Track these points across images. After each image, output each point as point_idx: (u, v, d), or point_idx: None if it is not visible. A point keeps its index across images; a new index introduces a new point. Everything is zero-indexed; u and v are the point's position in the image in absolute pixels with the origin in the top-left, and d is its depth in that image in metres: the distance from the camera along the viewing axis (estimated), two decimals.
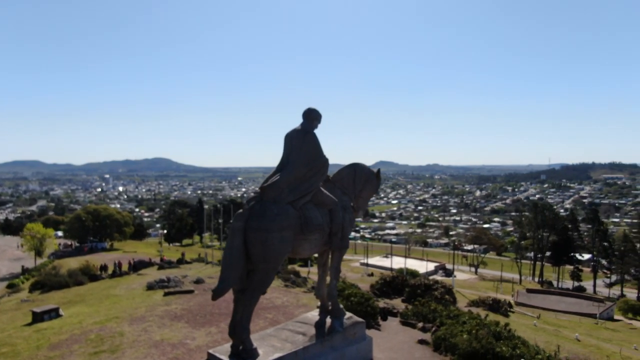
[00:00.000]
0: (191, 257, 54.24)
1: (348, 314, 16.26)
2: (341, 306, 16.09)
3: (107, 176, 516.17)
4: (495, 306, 33.05)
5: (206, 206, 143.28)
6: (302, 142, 14.22)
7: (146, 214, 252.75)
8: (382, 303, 25.97)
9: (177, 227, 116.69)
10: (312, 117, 14.69)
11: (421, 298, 25.56)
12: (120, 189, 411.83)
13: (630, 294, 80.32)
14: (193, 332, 19.03)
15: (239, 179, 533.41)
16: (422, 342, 18.05)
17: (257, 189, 13.93)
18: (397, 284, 35.29)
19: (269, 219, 12.94)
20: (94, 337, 18.72)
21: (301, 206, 13.79)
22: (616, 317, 55.54)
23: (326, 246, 15.18)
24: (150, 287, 27.75)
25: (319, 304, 23.97)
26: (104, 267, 42.70)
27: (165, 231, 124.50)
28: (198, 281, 28.68)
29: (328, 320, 15.50)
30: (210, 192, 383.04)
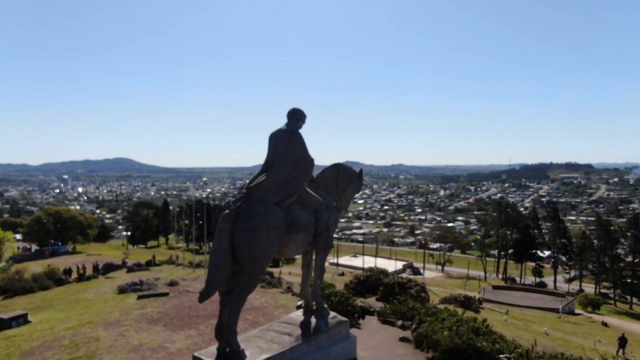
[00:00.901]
0: (159, 260, 53.08)
1: (332, 314, 16.32)
2: (325, 306, 16.15)
3: (66, 177, 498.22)
4: (467, 303, 33.86)
5: (171, 207, 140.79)
6: (288, 142, 14.19)
7: (108, 216, 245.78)
8: (358, 302, 26.15)
9: (142, 229, 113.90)
10: (297, 117, 14.69)
11: (399, 296, 25.87)
12: (80, 190, 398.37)
13: (588, 288, 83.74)
14: (172, 336, 18.68)
15: (204, 179, 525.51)
16: (403, 339, 18.31)
17: (243, 189, 13.83)
18: (370, 283, 35.66)
19: (256, 220, 12.84)
20: (67, 343, 18.11)
21: (287, 206, 13.77)
22: (577, 311, 57.81)
23: (311, 246, 15.20)
24: (122, 290, 27.05)
25: (298, 303, 24.08)
26: (68, 271, 41.25)
27: (129, 233, 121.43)
28: (172, 283, 28.14)
29: (313, 320, 15.52)
30: (175, 192, 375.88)
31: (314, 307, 15.81)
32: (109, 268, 40.68)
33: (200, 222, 63.04)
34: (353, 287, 34.71)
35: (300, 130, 15.04)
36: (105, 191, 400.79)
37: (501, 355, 14.57)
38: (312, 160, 14.57)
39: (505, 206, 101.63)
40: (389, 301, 28.27)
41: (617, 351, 26.92)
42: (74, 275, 39.58)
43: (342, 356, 15.77)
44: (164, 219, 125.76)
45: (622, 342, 28.57)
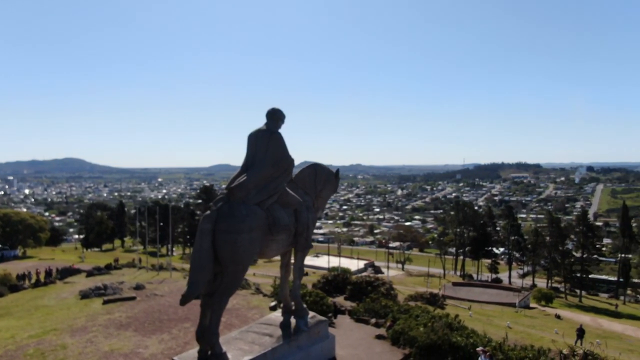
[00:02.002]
0: (114, 263, 51.31)
1: (311, 313, 16.37)
2: (304, 306, 16.16)
3: (11, 178, 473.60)
4: (432, 300, 34.62)
5: (126, 209, 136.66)
6: (268, 142, 14.13)
7: (57, 218, 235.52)
8: (329, 301, 26.26)
9: (97, 232, 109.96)
10: (276, 117, 14.66)
11: (372, 295, 26.12)
12: (27, 191, 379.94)
13: (541, 283, 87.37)
14: (144, 341, 18.18)
15: (159, 180, 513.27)
16: (379, 337, 18.55)
17: (223, 189, 13.67)
18: (338, 282, 35.83)
19: (238, 220, 12.71)
20: (32, 351, 17.29)
21: (268, 207, 13.71)
22: (532, 305, 60.26)
23: (291, 246, 15.19)
24: (85, 295, 26.07)
25: (271, 304, 24.02)
26: (23, 276, 39.38)
27: (82, 236, 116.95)
28: (138, 287, 27.35)
29: (292, 320, 15.51)
30: (129, 193, 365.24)
31: (293, 308, 15.81)
32: (67, 273, 39.03)
33: (162, 223, 61.38)
34: (321, 287, 34.76)
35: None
36: (54, 193, 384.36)
37: (477, 349, 15.02)
38: (292, 160, 14.57)
39: (462, 205, 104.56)
40: (358, 300, 28.60)
41: (576, 342, 28.28)
42: (33, 280, 37.89)
43: (321, 355, 15.84)
44: (119, 221, 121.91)
45: (580, 333, 30.05)
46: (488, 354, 14.42)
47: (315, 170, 16.76)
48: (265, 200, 13.67)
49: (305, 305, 16.26)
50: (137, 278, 33.54)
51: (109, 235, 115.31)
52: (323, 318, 16.62)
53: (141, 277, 33.97)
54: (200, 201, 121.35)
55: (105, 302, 24.04)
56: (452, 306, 39.39)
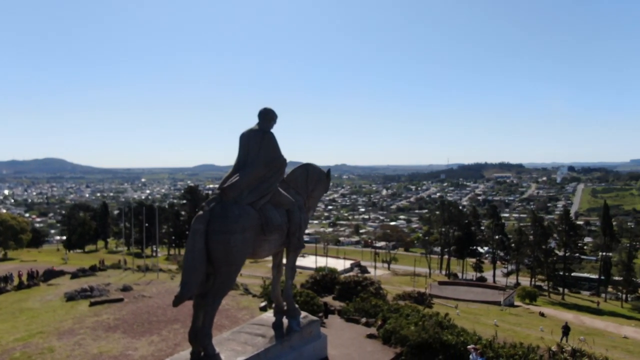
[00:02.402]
0: (99, 264, 50.68)
1: (303, 313, 16.35)
2: (296, 306, 16.14)
3: None
4: (420, 299, 34.82)
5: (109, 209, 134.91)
6: (261, 142, 14.08)
7: (38, 220, 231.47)
8: (319, 301, 26.25)
9: (79, 233, 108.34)
10: (269, 117, 14.61)
11: (362, 294, 26.16)
12: (6, 192, 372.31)
13: (524, 281, 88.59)
14: (133, 343, 17.99)
15: (143, 180, 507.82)
16: (370, 336, 18.61)
17: (216, 189, 13.58)
18: (326, 282, 35.81)
19: (231, 221, 12.65)
20: (19, 355, 16.99)
21: (261, 207, 13.67)
22: (516, 303, 61.09)
23: (283, 246, 15.17)
24: (71, 297, 25.68)
25: (261, 305, 23.94)
26: (4, 279, 38.60)
27: (64, 237, 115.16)
28: (125, 289, 27.03)
29: (285, 320, 15.48)
30: (112, 194, 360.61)
31: (285, 308, 15.79)
32: (50, 275, 38.41)
33: (147, 224, 60.75)
34: (309, 287, 34.70)
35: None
36: (34, 193, 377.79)
37: (468, 347, 15.17)
38: (285, 160, 14.54)
39: (448, 205, 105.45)
40: (347, 300, 28.67)
41: (561, 339, 28.73)
42: (15, 282, 37.21)
43: (314, 355, 15.84)
44: (102, 222, 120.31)
45: (566, 330, 30.55)
46: (479, 351, 14.57)
47: (307, 170, 16.77)
48: (257, 200, 13.62)
49: (297, 305, 16.27)
50: (123, 279, 33.17)
51: (92, 236, 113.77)
52: (315, 318, 16.62)
53: (127, 279, 33.60)
54: (184, 202, 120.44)
55: (92, 304, 23.72)
56: (439, 305, 39.70)
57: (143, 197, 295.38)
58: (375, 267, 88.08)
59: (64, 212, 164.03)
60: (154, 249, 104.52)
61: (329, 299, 30.29)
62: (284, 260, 16.15)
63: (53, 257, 73.92)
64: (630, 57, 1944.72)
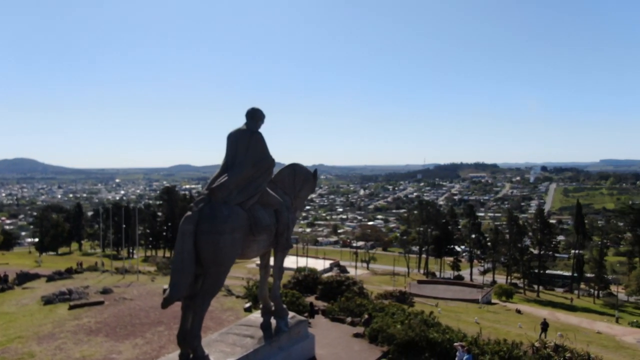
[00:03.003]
0: (77, 267, 49.56)
1: (291, 314, 16.35)
2: (284, 306, 16.12)
3: None
4: (402, 298, 35.15)
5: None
6: (249, 142, 14.01)
7: (8, 221, 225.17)
8: (305, 301, 26.25)
9: (52, 235, 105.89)
10: (256, 117, 14.54)
11: (347, 294, 26.27)
12: None
13: (500, 279, 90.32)
14: (117, 346, 17.67)
15: (117, 180, 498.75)
16: (357, 335, 18.73)
17: (205, 190, 13.46)
18: (308, 282, 35.84)
19: (220, 221, 12.57)
20: None
21: (249, 207, 13.61)
22: (493, 300, 62.16)
23: (271, 247, 15.14)
24: (49, 301, 25.01)
25: (246, 305, 23.81)
26: None
27: (37, 239, 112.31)
28: (105, 291, 26.51)
29: (273, 321, 15.46)
30: (85, 195, 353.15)
31: (273, 308, 15.76)
32: (25, 278, 37.28)
33: (124, 225, 59.77)
34: (291, 287, 34.63)
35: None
36: (3, 194, 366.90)
37: (455, 344, 15.40)
38: (273, 160, 14.50)
39: (426, 204, 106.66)
40: (330, 300, 28.77)
41: (540, 335, 29.42)
42: None
43: (302, 355, 15.86)
44: (76, 223, 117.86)
45: (544, 326, 31.27)
46: (466, 348, 14.80)
47: (294, 170, 16.77)
48: (246, 200, 13.57)
49: (284, 306, 16.25)
50: (102, 282, 32.52)
51: (65, 238, 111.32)
52: (303, 318, 16.65)
53: (106, 281, 32.95)
54: (160, 202, 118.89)
55: (71, 308, 23.18)
56: (420, 304, 40.12)
57: (117, 198, 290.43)
58: (356, 267, 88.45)
59: (35, 213, 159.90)
60: (130, 250, 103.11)
61: (311, 299, 30.35)
62: (272, 261, 16.17)
63: (25, 260, 71.97)
64: (599, 60, 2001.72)
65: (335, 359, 16.38)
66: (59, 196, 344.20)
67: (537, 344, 16.48)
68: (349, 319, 21.16)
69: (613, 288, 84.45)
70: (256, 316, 16.01)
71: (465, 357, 14.31)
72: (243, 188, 13.60)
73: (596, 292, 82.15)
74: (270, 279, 16.02)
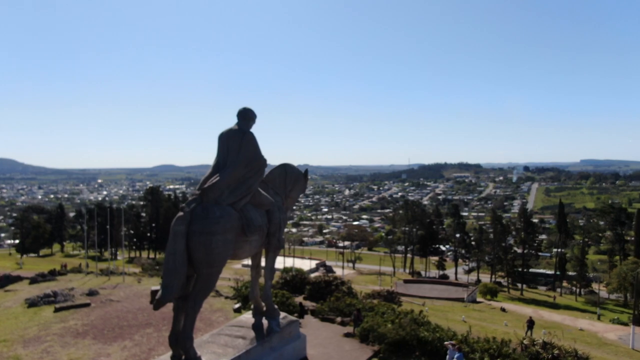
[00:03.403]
0: (61, 268, 48.78)
1: (282, 314, 16.31)
2: (275, 306, 16.08)
3: None
4: (390, 297, 35.26)
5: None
6: (241, 142, 13.93)
7: None
8: (295, 302, 26.20)
9: (33, 236, 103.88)
10: (248, 117, 14.48)
11: (337, 293, 26.28)
12: None
13: (485, 278, 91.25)
14: (105, 348, 17.45)
15: (99, 181, 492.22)
16: (348, 335, 18.75)
17: (196, 190, 13.36)
18: (296, 282, 35.82)
19: (212, 222, 12.50)
20: None
21: (241, 207, 13.56)
22: (478, 299, 62.75)
23: (262, 247, 15.09)
24: (33, 303, 24.58)
25: (235, 306, 23.68)
26: None
27: (17, 241, 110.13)
28: (91, 293, 26.15)
29: (264, 321, 15.41)
30: (66, 195, 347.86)
31: (264, 309, 15.71)
32: (7, 280, 36.55)
33: (108, 227, 58.73)
34: (280, 288, 34.60)
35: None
36: None
37: (446, 342, 15.52)
38: (265, 160, 14.45)
39: (411, 204, 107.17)
40: (318, 300, 28.77)
41: (526, 332, 29.75)
42: None
43: (294, 355, 15.84)
44: (58, 224, 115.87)
45: (530, 324, 31.62)
46: (456, 347, 14.92)
47: (285, 171, 16.76)
48: (238, 200, 13.51)
49: (276, 306, 16.21)
50: (87, 284, 32.06)
51: (47, 240, 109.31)
52: (294, 318, 16.61)
53: (91, 283, 32.49)
54: (142, 203, 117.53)
55: (57, 310, 22.81)
56: (407, 303, 40.39)
57: (100, 199, 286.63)
58: (343, 267, 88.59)
59: (15, 214, 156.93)
60: (113, 251, 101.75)
61: (299, 299, 30.33)
62: (263, 261, 16.11)
63: (6, 262, 70.62)
64: (579, 63, 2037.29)
65: (326, 359, 16.38)
66: (40, 197, 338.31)
67: (525, 342, 16.69)
68: (338, 319, 21.19)
69: (594, 286, 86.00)
70: (247, 317, 15.94)
71: (456, 356, 14.42)
72: (235, 188, 13.53)
73: (578, 290, 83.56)
74: (261, 280, 15.96)
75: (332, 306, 22.65)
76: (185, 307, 12.53)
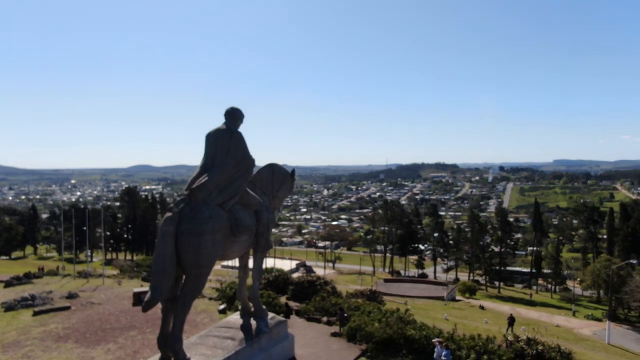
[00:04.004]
0: (39, 271, 47.67)
1: (270, 314, 16.26)
2: (264, 307, 16.02)
3: None
4: (372, 296, 35.35)
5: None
6: (229, 142, 13.85)
7: None
8: (281, 302, 26.12)
9: (5, 239, 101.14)
10: (236, 117, 14.41)
11: (322, 293, 26.30)
12: None
13: (463, 276, 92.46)
14: (89, 352, 17.11)
15: (72, 181, 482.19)
16: (335, 334, 18.78)
17: (184, 190, 13.21)
18: (279, 282, 35.73)
19: (201, 222, 12.38)
20: None
21: (230, 207, 13.47)
22: (458, 297, 63.64)
23: (250, 247, 15.01)
24: (10, 307, 23.92)
25: (220, 307, 23.48)
26: None
27: None
28: (71, 296, 25.58)
29: (253, 322, 15.33)
30: (38, 196, 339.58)
31: (252, 309, 15.64)
32: None
33: (85, 228, 57.58)
34: (263, 288, 34.52)
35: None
36: None
37: (433, 340, 15.69)
38: (253, 160, 14.39)
39: (391, 204, 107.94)
40: (301, 300, 28.76)
41: (507, 329, 30.34)
42: None
43: (282, 356, 15.79)
44: (31, 226, 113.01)
45: (511, 321, 32.24)
46: (444, 344, 15.10)
47: (273, 171, 16.72)
48: (227, 201, 13.41)
49: (264, 306, 16.14)
50: (64, 287, 31.35)
51: (19, 242, 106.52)
52: (282, 318, 16.57)
53: (69, 286, 31.79)
54: (119, 204, 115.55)
55: (35, 314, 22.25)
56: (390, 302, 40.65)
57: (73, 200, 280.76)
58: (325, 267, 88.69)
59: None
60: (89, 253, 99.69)
61: (283, 300, 30.27)
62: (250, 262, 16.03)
63: None
64: (552, 64, 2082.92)
65: (314, 358, 16.39)
66: (10, 198, 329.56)
67: (510, 338, 17.01)
68: (324, 319, 21.22)
69: (569, 283, 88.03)
70: (235, 317, 15.83)
71: (443, 353, 14.60)
72: (223, 188, 13.45)
73: (553, 288, 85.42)
74: (249, 280, 15.90)
75: (317, 306, 22.67)
76: (173, 309, 12.38)
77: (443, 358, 14.67)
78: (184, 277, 12.61)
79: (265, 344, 15.01)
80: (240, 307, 15.93)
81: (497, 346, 16.19)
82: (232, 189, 13.59)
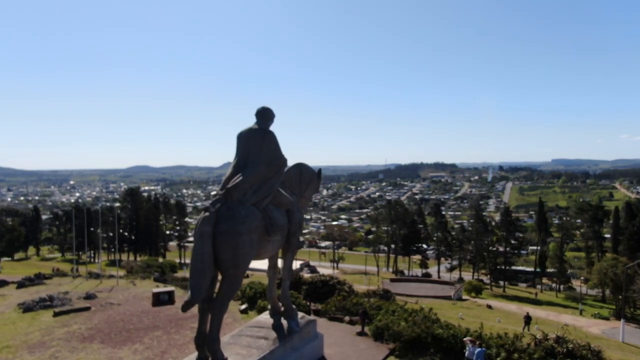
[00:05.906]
0: (48, 273, 47.46)
1: (300, 314, 16.25)
2: (294, 306, 16.00)
3: None
4: (386, 295, 35.47)
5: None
6: (262, 141, 13.84)
7: None
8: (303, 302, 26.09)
9: (8, 240, 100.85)
10: (267, 116, 14.41)
11: (343, 293, 26.28)
12: None
13: (466, 275, 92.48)
14: (116, 352, 17.09)
15: (71, 182, 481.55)
16: (360, 334, 18.79)
17: (219, 190, 13.19)
18: (291, 282, 35.77)
19: (238, 222, 12.37)
20: None
21: (264, 207, 13.46)
22: (464, 296, 63.63)
23: (281, 247, 14.99)
24: (29, 308, 23.85)
25: (241, 307, 23.44)
26: None
27: None
28: (89, 297, 25.54)
29: (284, 321, 15.33)
30: (37, 198, 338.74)
31: (282, 309, 15.63)
32: None
33: (92, 229, 57.54)
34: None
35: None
36: None
37: (465, 339, 15.69)
38: (285, 159, 14.38)
39: (394, 204, 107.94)
40: (315, 299, 28.73)
41: (524, 328, 30.40)
42: None
43: (313, 355, 15.80)
44: (33, 227, 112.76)
45: (528, 320, 32.31)
46: (477, 343, 15.09)
47: (300, 170, 16.75)
48: (261, 200, 13.40)
49: (294, 306, 16.13)
50: (78, 287, 31.27)
51: (21, 243, 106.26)
52: (312, 318, 16.59)
53: (84, 286, 31.70)
54: (118, 205, 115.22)
55: (56, 314, 22.19)
56: (400, 301, 40.57)
57: (72, 201, 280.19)
58: (333, 268, 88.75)
59: None
60: (92, 254, 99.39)
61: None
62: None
63: None
64: (551, 64, 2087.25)
65: (344, 358, 16.38)
66: (9, 199, 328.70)
67: (539, 337, 17.04)
68: (347, 318, 21.21)
69: (574, 282, 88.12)
70: (266, 317, 15.83)
71: (477, 351, 14.59)
72: (257, 188, 13.44)
73: (558, 287, 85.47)
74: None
75: (338, 305, 22.65)
76: (210, 309, 12.39)
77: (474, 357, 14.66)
78: (219, 277, 12.63)
79: (297, 343, 15.02)
80: (269, 306, 15.93)
81: (526, 344, 16.19)
82: (265, 188, 13.58)
